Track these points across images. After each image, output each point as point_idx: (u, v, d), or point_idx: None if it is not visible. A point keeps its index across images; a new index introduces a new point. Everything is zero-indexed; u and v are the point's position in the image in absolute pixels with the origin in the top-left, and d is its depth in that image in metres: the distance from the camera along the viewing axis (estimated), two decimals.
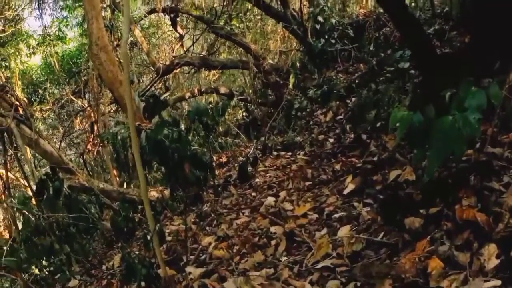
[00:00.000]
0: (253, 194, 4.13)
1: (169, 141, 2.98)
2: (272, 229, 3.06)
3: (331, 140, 4.64)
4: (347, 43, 7.37)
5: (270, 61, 8.99)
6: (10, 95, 8.10)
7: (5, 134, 8.43)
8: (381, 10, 8.19)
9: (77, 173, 7.48)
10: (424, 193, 2.38)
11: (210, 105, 7.83)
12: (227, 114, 9.98)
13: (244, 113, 8.38)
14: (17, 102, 7.96)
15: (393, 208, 2.54)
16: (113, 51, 8.58)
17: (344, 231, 2.60)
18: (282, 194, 3.69)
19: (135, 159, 2.71)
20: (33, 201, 6.06)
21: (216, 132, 4.87)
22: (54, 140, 14.39)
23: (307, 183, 3.77)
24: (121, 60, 8.96)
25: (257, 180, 4.35)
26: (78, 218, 4.18)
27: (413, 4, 6.61)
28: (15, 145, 7.88)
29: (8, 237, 8.80)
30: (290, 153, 4.99)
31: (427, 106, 1.91)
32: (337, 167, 3.89)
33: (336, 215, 2.92)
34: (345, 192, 3.25)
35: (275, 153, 5.34)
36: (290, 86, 5.88)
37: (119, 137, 4.27)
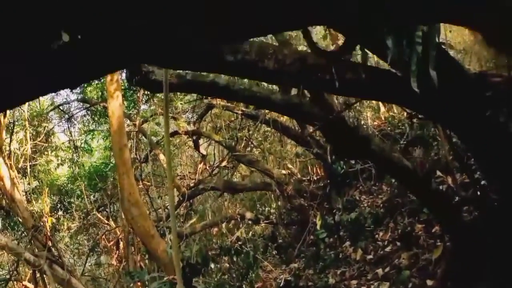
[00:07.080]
0: None
1: None
2: None
3: None
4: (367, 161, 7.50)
5: (292, 167, 9.18)
6: (43, 235, 8.31)
7: (37, 272, 8.49)
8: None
9: None
10: None
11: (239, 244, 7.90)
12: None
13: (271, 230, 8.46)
14: (49, 242, 8.14)
15: None
16: (134, 172, 8.91)
17: None
18: None
19: None
20: None
21: None
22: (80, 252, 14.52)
23: None
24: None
25: None
26: None
27: None
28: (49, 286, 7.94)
29: None
30: None
31: None
32: None
33: None
34: None
35: None
36: (318, 227, 5.97)
37: None
